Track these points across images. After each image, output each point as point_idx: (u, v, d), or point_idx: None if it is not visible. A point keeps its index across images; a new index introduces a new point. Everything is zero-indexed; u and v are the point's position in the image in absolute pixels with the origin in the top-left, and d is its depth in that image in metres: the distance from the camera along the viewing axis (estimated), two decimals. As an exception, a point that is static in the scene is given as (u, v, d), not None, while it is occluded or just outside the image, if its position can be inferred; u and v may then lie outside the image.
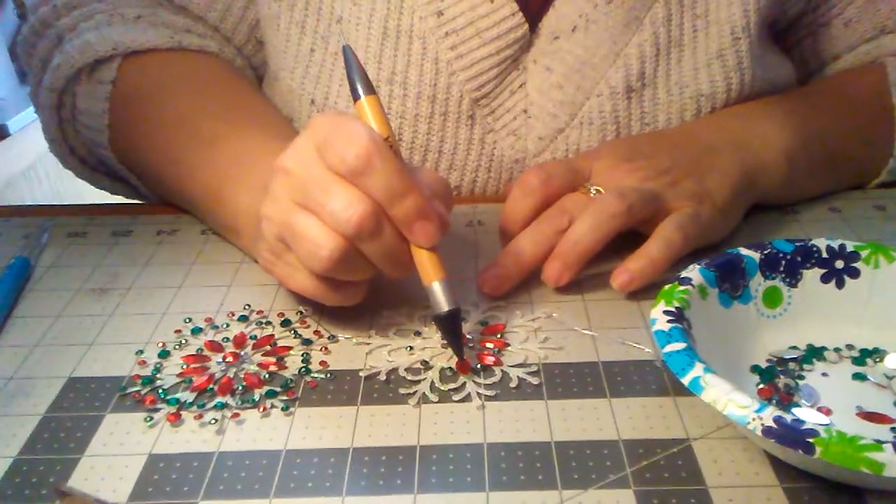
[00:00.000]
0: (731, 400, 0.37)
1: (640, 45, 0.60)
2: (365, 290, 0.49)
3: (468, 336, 0.49)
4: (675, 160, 0.55)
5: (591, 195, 0.53)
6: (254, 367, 0.47)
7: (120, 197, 0.74)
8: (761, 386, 0.44)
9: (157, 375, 0.47)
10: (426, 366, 0.46)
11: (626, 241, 0.52)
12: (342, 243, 0.44)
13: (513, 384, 0.45)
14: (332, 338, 0.49)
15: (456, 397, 0.44)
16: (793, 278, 0.47)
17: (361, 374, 0.46)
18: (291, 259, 0.47)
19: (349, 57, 0.47)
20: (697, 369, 0.38)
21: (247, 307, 0.52)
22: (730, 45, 0.60)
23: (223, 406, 0.44)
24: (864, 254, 0.47)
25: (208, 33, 0.68)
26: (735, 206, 0.56)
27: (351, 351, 0.48)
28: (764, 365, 0.45)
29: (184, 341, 0.50)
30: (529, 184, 0.54)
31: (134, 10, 0.66)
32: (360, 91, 0.47)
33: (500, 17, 0.59)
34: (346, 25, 0.61)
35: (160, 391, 0.45)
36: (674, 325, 0.41)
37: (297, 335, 0.50)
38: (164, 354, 0.48)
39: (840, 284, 0.47)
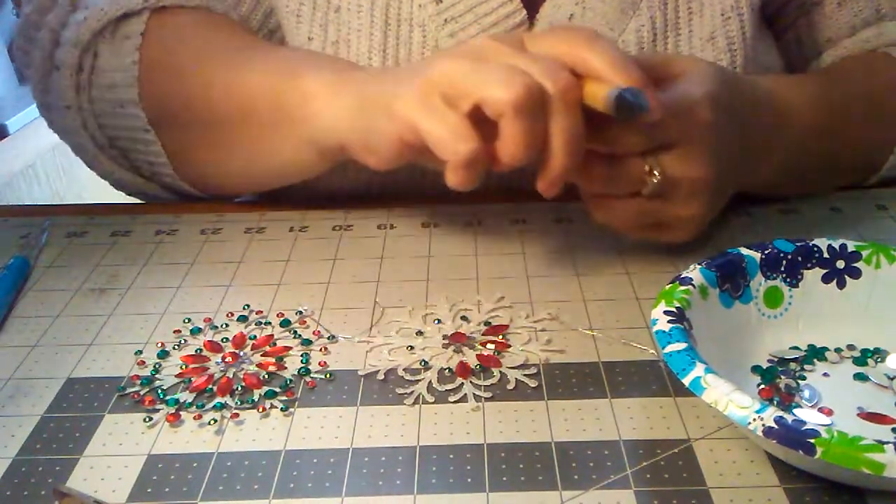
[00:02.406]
0: (732, 400, 0.37)
1: (637, 30, 0.60)
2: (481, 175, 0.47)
3: (470, 336, 0.48)
4: None
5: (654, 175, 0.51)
6: (253, 368, 0.47)
7: (120, 194, 0.73)
8: (762, 386, 0.43)
9: (157, 376, 0.47)
10: (425, 366, 0.46)
11: (627, 242, 0.53)
12: (533, 83, 0.44)
13: (510, 386, 0.45)
14: (332, 338, 0.49)
15: (452, 398, 0.44)
16: (794, 278, 0.47)
17: (360, 373, 0.46)
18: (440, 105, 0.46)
19: None
20: (698, 369, 0.38)
21: (246, 307, 0.52)
22: (721, 26, 0.61)
23: (222, 406, 0.44)
24: (865, 254, 0.47)
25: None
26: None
27: (350, 351, 0.48)
28: (765, 365, 0.45)
29: (183, 341, 0.49)
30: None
31: None
32: None
33: (498, 2, 0.59)
34: (344, 14, 0.61)
35: (159, 391, 0.45)
36: (674, 325, 0.41)
37: (296, 335, 0.50)
38: (164, 355, 0.48)
39: (841, 284, 0.47)
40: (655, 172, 0.49)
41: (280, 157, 0.58)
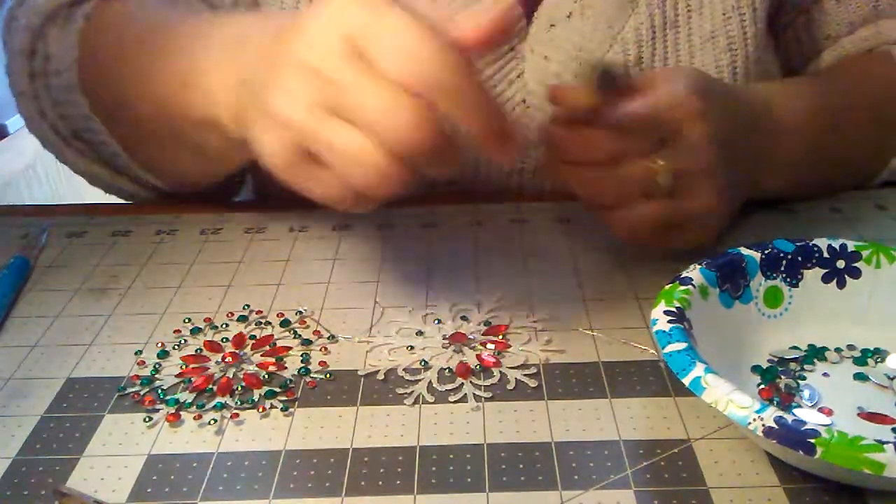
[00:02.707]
0: (732, 400, 0.37)
1: (636, 28, 0.60)
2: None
3: (470, 336, 0.48)
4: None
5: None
6: (253, 368, 0.47)
7: (116, 194, 0.72)
8: (762, 386, 0.44)
9: (157, 376, 0.46)
10: (425, 366, 0.46)
11: (630, 246, 0.53)
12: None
13: (510, 386, 0.45)
14: (332, 338, 0.49)
15: (452, 398, 0.44)
16: (794, 278, 0.47)
17: (360, 373, 0.46)
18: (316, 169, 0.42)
19: None
20: (698, 369, 0.38)
21: (246, 307, 0.52)
22: (721, 24, 0.61)
23: (222, 406, 0.44)
24: (865, 254, 0.47)
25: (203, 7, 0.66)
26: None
27: (350, 351, 0.48)
28: (765, 365, 0.45)
29: (183, 341, 0.49)
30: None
31: None
32: None
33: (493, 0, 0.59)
34: None
35: (159, 391, 0.45)
36: (674, 325, 0.41)
37: (296, 335, 0.50)
38: (163, 355, 0.48)
39: (841, 284, 0.47)
40: (660, 161, 0.49)
41: (206, 147, 0.54)
